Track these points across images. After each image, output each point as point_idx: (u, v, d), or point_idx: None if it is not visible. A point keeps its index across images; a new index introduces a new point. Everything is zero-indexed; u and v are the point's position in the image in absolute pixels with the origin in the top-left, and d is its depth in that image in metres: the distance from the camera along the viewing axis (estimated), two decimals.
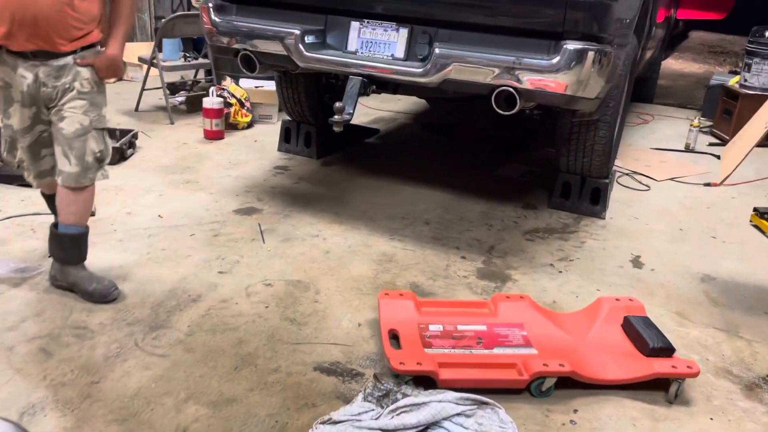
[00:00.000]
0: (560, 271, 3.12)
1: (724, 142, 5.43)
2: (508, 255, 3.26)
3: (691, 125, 5.21)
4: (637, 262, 3.26)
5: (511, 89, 2.82)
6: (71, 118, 2.45)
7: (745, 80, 5.33)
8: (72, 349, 2.30)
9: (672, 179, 4.52)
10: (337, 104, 3.00)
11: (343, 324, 2.55)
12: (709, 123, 5.75)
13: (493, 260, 3.19)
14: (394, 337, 2.37)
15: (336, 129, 3.04)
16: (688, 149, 5.20)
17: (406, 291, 2.63)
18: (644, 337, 2.33)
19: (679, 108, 6.93)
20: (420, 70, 2.95)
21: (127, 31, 2.57)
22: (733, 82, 5.73)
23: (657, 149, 5.19)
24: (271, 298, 2.70)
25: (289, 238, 3.27)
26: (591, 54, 2.73)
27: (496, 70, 2.81)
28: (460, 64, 2.87)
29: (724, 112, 5.54)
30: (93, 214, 3.33)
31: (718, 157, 5.04)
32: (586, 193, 3.81)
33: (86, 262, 2.68)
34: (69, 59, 2.43)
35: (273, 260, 3.03)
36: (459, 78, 2.90)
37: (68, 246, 2.62)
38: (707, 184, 4.42)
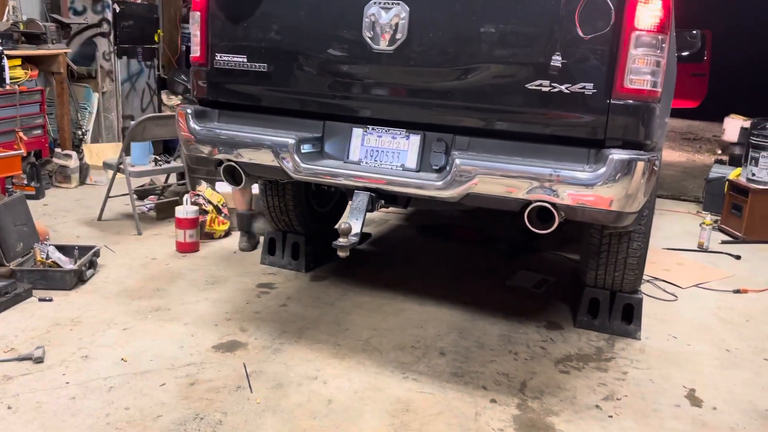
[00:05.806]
0: (610, 416, 2.60)
1: (736, 239, 5.12)
2: (545, 394, 2.74)
3: (704, 223, 4.89)
4: (693, 398, 2.77)
5: (548, 205, 2.41)
6: None
7: (753, 175, 5.07)
8: None
9: (697, 285, 4.13)
10: (343, 225, 2.53)
11: None
12: (715, 218, 5.45)
13: (528, 403, 2.66)
14: None
15: (341, 254, 2.55)
16: (702, 249, 4.85)
17: None
18: None
19: (674, 200, 6.70)
20: (439, 183, 2.52)
21: None
22: (734, 175, 5.48)
23: (669, 249, 4.83)
24: None
25: (282, 383, 2.70)
26: (641, 164, 2.34)
27: (531, 184, 2.39)
28: (486, 176, 2.45)
29: (733, 207, 5.25)
30: (41, 361, 2.74)
31: (737, 256, 4.71)
32: (617, 310, 3.34)
33: None
34: None
35: (264, 417, 2.45)
36: (485, 192, 2.48)
37: None
38: (737, 291, 4.03)
